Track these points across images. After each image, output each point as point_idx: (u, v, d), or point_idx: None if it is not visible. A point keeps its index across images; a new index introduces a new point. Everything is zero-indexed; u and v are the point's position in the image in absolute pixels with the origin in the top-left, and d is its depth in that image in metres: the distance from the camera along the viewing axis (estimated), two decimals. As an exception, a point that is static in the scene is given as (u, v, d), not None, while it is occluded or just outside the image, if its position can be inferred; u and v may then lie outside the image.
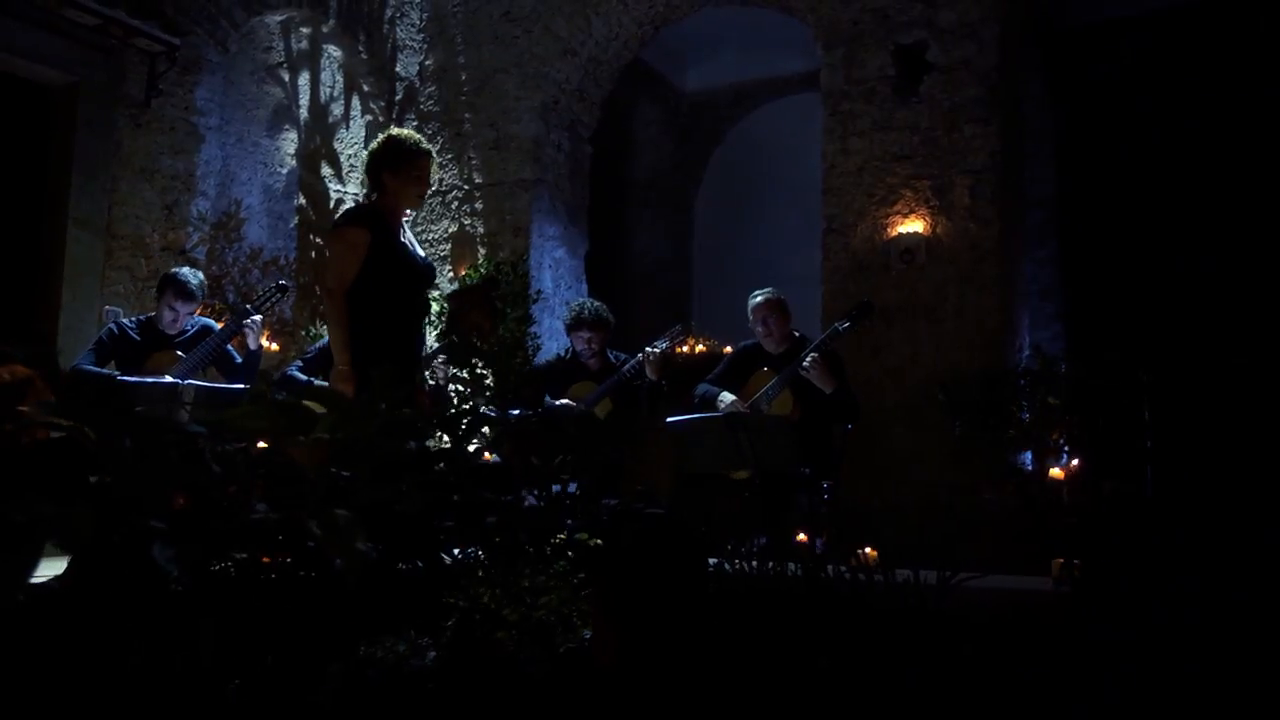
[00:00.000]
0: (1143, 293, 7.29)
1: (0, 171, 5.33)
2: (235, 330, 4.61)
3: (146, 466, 1.14)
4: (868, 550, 2.37)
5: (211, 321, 4.85)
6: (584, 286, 7.62)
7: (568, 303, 6.31)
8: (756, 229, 9.25)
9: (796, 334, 4.96)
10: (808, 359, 4.57)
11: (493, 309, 4.66)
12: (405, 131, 3.84)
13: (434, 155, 3.84)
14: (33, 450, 1.25)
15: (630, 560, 1.75)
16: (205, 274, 5.11)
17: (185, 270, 4.72)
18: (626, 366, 4.99)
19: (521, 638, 2.11)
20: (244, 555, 1.29)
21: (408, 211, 3.87)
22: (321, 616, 1.31)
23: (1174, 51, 7.36)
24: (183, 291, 4.55)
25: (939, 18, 5.89)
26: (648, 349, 4.97)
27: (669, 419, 4.33)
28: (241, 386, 4.30)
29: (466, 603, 1.67)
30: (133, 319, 4.76)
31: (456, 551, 1.59)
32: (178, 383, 4.03)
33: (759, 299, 4.93)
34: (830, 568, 1.87)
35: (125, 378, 4.11)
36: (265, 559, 1.33)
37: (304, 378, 4.78)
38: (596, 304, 5.32)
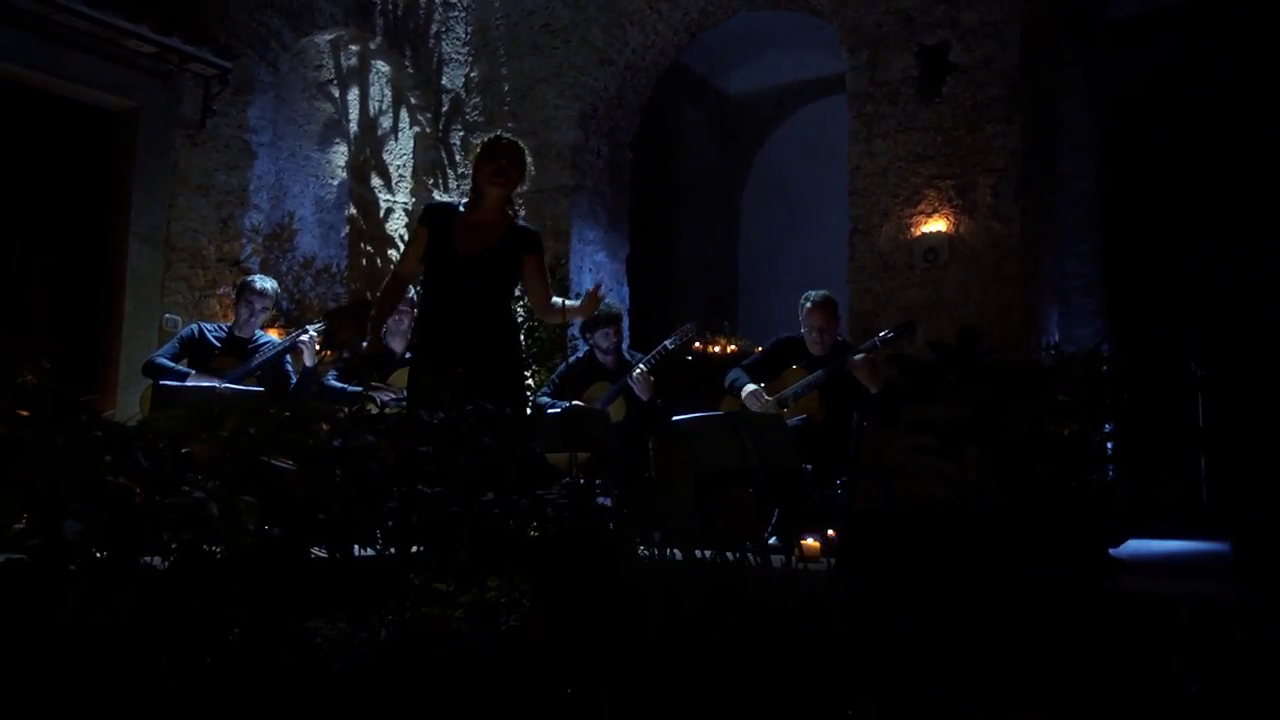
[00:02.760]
0: (1188, 287, 7.18)
1: (68, 190, 5.77)
2: (289, 344, 4.92)
3: (69, 459, 1.37)
4: (806, 542, 2.51)
5: (275, 338, 5.20)
6: (625, 289, 7.79)
7: (608, 304, 6.47)
8: (801, 229, 9.31)
9: (840, 338, 5.01)
10: (859, 355, 4.63)
11: (362, 327, 5.17)
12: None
13: (504, 139, 3.84)
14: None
15: (544, 547, 1.94)
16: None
17: (260, 275, 5.27)
18: (630, 378, 5.04)
19: (467, 616, 2.32)
20: (167, 536, 1.51)
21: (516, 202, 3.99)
22: (229, 592, 1.52)
23: (1216, 42, 7.23)
24: (255, 289, 4.97)
25: (961, 18, 5.93)
26: (641, 365, 5.05)
27: (674, 418, 4.48)
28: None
29: (398, 584, 1.88)
30: (216, 325, 5.13)
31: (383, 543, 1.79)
32: (215, 385, 4.34)
33: (811, 304, 4.88)
34: (731, 556, 2.03)
35: (167, 381, 4.44)
36: (189, 540, 1.55)
37: (339, 385, 5.06)
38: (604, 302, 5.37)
